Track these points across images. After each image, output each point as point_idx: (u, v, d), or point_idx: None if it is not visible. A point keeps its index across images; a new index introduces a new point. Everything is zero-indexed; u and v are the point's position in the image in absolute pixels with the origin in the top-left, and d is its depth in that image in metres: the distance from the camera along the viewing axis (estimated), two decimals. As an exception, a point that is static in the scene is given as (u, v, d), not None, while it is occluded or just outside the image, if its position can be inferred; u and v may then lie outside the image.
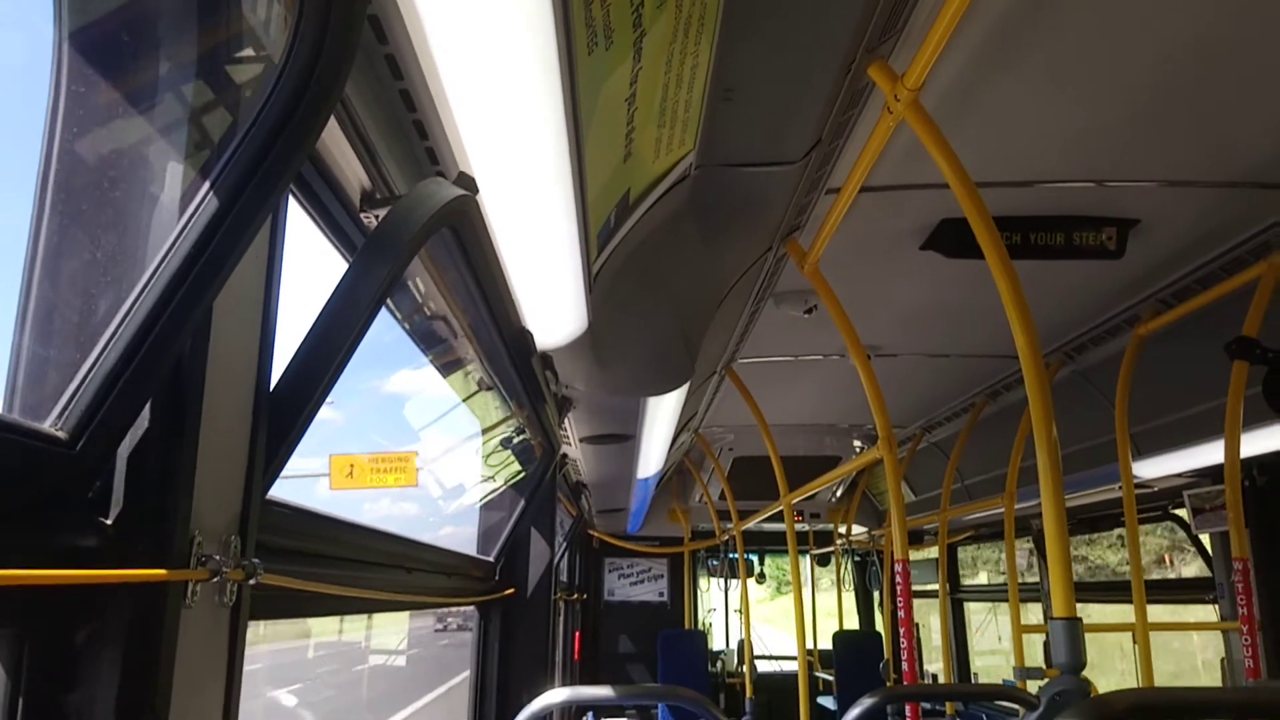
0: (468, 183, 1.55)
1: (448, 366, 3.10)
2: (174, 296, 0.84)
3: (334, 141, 1.45)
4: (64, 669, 0.86)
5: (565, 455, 5.40)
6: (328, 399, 1.26)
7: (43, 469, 0.79)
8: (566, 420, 4.35)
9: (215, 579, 0.98)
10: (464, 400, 3.66)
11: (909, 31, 2.19)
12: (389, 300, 2.20)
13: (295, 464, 1.30)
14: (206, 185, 0.88)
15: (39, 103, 0.87)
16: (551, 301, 2.37)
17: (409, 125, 1.55)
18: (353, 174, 1.55)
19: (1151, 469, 4.65)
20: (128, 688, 0.88)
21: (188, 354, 0.93)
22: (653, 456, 5.69)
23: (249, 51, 1.03)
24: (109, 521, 0.90)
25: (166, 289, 0.84)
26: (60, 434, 0.80)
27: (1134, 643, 4.28)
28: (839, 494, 10.14)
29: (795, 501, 6.27)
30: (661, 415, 4.47)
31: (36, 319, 0.86)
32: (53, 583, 0.77)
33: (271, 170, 0.88)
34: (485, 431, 3.95)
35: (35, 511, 0.81)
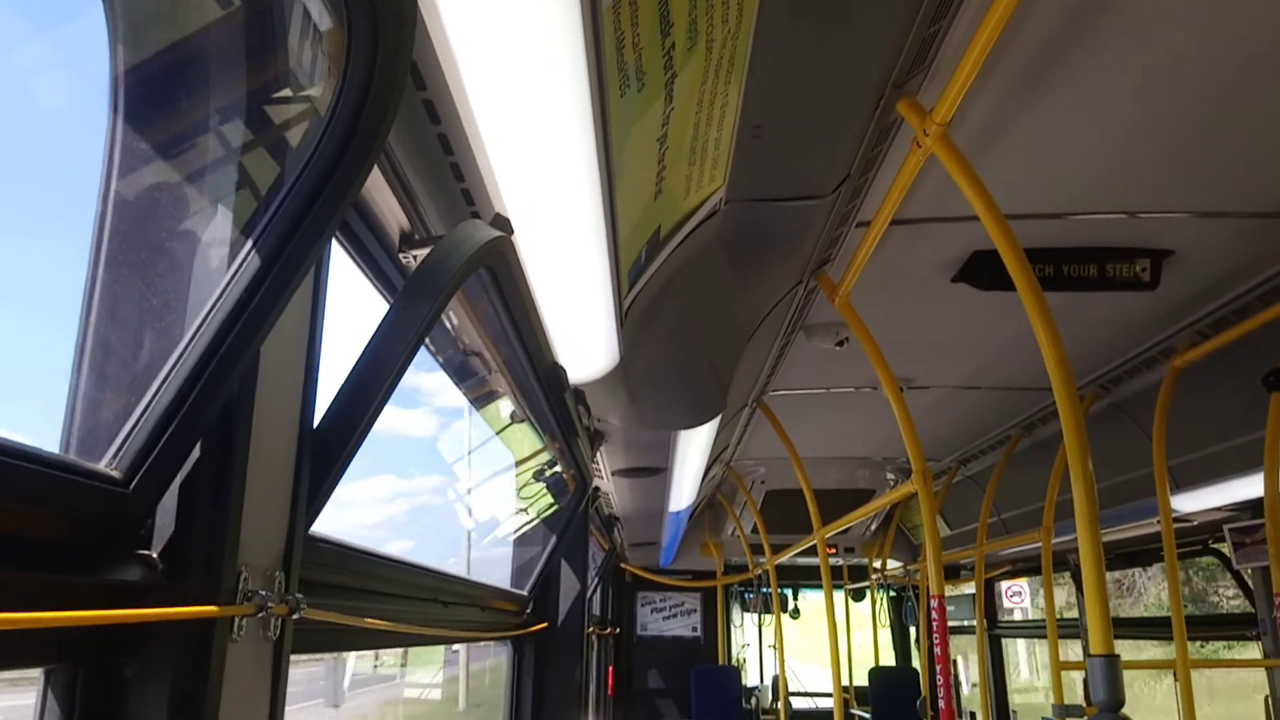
0: (504, 224, 1.59)
1: (481, 400, 3.13)
2: (224, 341, 0.88)
3: (374, 184, 1.50)
4: (114, 702, 0.89)
5: (598, 489, 5.41)
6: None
7: (98, 507, 0.82)
8: (599, 454, 4.36)
9: (261, 614, 1.01)
10: (497, 433, 3.69)
11: (937, 67, 2.21)
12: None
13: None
14: (255, 233, 0.91)
15: (95, 158, 0.91)
16: (584, 337, 2.39)
17: (446, 167, 1.59)
18: (392, 215, 1.59)
19: (1190, 503, 4.56)
20: (175, 720, 0.90)
21: (236, 395, 0.97)
22: (685, 489, 5.68)
23: (295, 102, 1.07)
24: (159, 555, 0.93)
25: (217, 334, 0.88)
26: (114, 473, 0.84)
27: (1175, 680, 4.18)
28: (873, 528, 10.04)
29: (829, 535, 6.22)
30: (693, 448, 4.48)
31: (93, 363, 0.90)
32: (107, 622, 0.79)
33: (317, 218, 0.91)
34: (518, 464, 3.97)
35: (90, 547, 0.84)
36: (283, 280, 0.91)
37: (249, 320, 0.90)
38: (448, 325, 2.32)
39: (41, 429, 0.89)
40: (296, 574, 1.10)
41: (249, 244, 0.91)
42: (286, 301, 0.96)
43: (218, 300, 0.89)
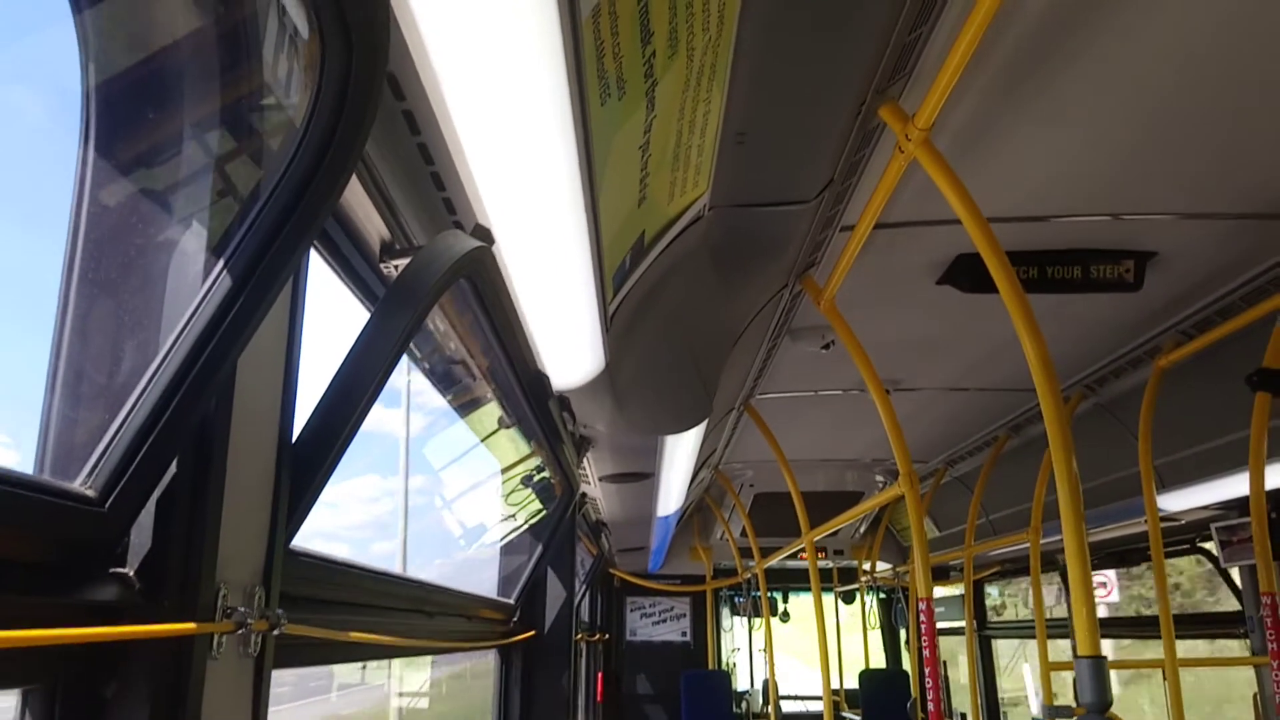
0: (484, 234, 1.58)
1: (466, 407, 3.12)
2: (200, 356, 0.87)
3: (354, 194, 1.49)
4: (93, 722, 0.88)
5: (585, 495, 5.39)
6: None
7: (72, 527, 0.81)
8: (586, 460, 4.35)
9: (240, 631, 1.00)
10: (483, 440, 3.67)
11: (919, 72, 2.21)
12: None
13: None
14: (231, 247, 0.90)
15: (68, 172, 0.90)
16: (568, 344, 2.39)
17: (426, 177, 1.58)
18: (372, 225, 1.58)
19: (1177, 502, 4.58)
20: (154, 740, 0.89)
21: (213, 409, 0.96)
22: (673, 494, 5.67)
23: (270, 115, 1.06)
24: (136, 574, 0.92)
25: (193, 348, 0.87)
26: (89, 492, 0.83)
27: (1164, 679, 4.20)
28: (862, 530, 10.05)
29: (818, 538, 6.22)
30: (681, 453, 4.47)
31: (66, 382, 0.89)
32: (84, 640, 0.78)
33: (294, 231, 0.90)
34: (505, 471, 3.95)
35: (65, 567, 0.83)
36: (259, 293, 0.91)
37: (225, 334, 0.89)
38: (433, 331, 2.31)
39: (14, 449, 0.87)
40: (277, 589, 1.09)
41: (225, 257, 0.90)
42: (264, 314, 0.95)
43: (193, 314, 0.89)
